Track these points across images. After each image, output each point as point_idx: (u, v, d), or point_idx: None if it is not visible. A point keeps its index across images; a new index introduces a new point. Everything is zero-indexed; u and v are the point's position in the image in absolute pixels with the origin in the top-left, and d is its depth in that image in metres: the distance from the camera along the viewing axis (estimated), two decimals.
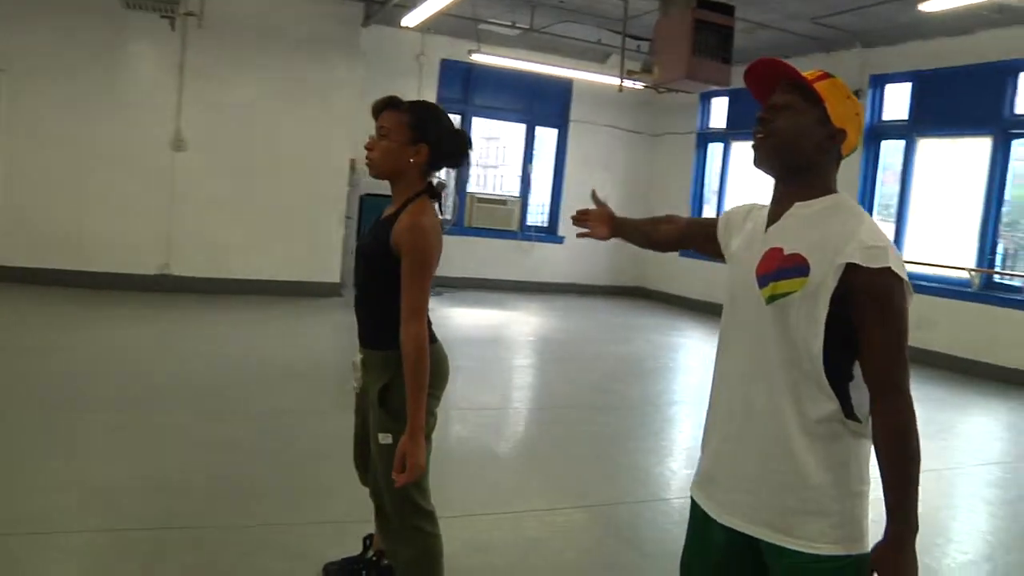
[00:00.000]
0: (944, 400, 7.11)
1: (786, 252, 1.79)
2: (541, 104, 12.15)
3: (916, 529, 1.68)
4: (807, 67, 1.92)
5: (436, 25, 9.74)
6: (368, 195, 10.28)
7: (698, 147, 12.34)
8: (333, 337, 8.49)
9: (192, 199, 9.08)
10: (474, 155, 2.61)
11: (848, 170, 9.67)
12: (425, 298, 2.39)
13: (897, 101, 9.67)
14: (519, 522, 3.80)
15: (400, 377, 2.35)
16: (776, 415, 1.78)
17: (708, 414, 2.01)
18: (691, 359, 9.16)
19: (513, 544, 3.57)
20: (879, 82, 9.68)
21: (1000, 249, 8.71)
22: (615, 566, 3.40)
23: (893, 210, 9.69)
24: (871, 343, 1.71)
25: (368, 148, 2.48)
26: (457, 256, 11.40)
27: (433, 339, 2.44)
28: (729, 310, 1.96)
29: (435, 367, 2.40)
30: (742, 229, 2.00)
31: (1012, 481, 5.25)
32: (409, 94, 2.65)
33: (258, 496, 3.77)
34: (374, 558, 2.90)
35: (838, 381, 1.74)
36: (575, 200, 12.34)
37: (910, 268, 8.65)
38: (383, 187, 9.36)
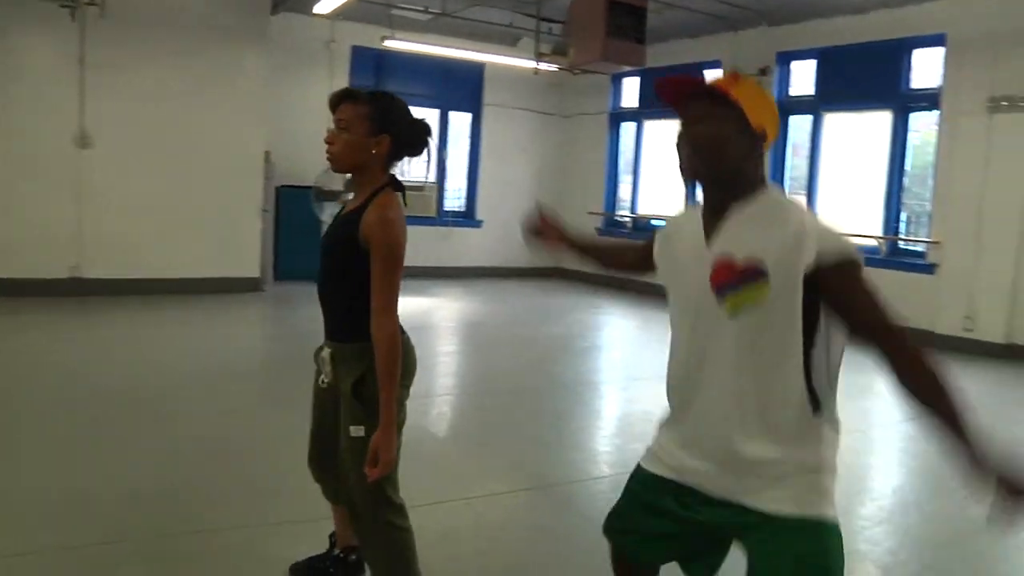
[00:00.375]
0: (862, 363, 7.43)
1: (739, 260, 1.81)
2: (454, 89, 12.11)
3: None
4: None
5: (347, 12, 9.59)
6: (285, 186, 10.08)
7: (611, 127, 12.51)
8: (258, 333, 8.35)
9: (101, 197, 8.73)
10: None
11: None
12: (396, 292, 2.38)
13: (803, 77, 10.00)
14: (478, 507, 3.83)
15: (374, 370, 2.34)
16: (746, 414, 1.85)
17: (670, 400, 2.06)
18: (616, 336, 9.34)
19: (476, 530, 3.60)
20: (785, 59, 9.99)
21: (903, 216, 9.14)
22: (581, 545, 3.46)
23: (803, 183, 10.05)
24: (857, 306, 1.76)
25: (328, 142, 2.44)
26: None
27: (400, 331, 2.44)
28: (682, 323, 1.98)
29: (403, 359, 2.40)
30: (678, 240, 2.03)
31: (921, 436, 5.59)
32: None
33: (210, 502, 3.69)
34: (341, 555, 2.89)
35: (807, 376, 1.82)
36: (491, 184, 12.43)
37: None
38: (300, 178, 9.23)
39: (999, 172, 7.90)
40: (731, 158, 1.85)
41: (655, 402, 2.07)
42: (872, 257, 9.00)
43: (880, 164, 9.14)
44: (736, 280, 1.80)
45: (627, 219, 12.36)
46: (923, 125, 9.03)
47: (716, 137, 1.84)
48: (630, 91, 12.28)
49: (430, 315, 9.35)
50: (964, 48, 8.14)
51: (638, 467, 2.13)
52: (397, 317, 2.39)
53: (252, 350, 7.40)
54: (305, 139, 10.35)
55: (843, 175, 9.70)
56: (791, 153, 10.32)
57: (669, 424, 2.07)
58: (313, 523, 3.19)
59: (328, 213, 10.14)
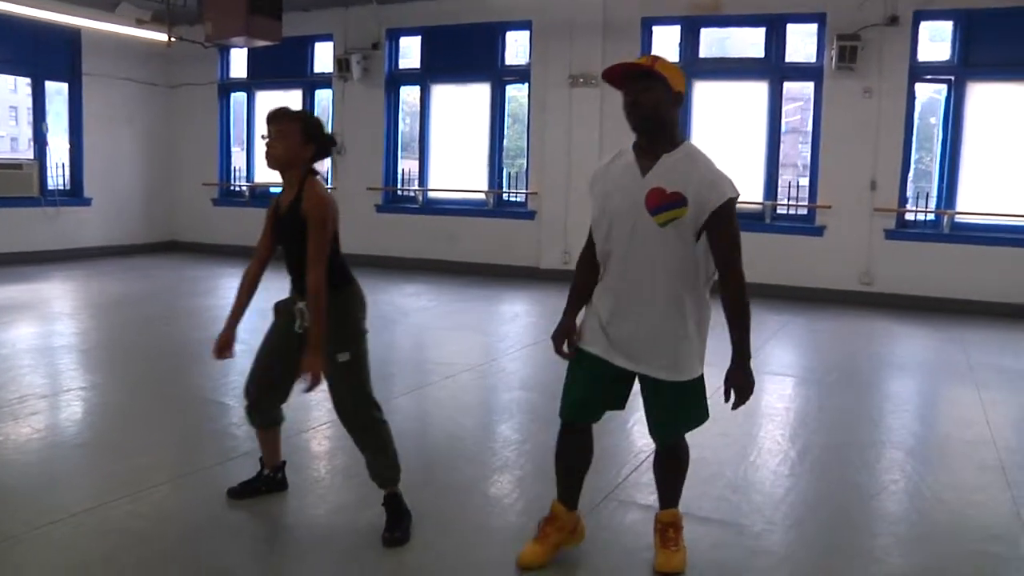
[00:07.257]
0: (478, 294, 8.92)
1: (668, 191, 2.63)
2: (47, 56, 11.16)
3: (751, 356, 2.71)
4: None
5: None
6: None
7: (220, 97, 12.55)
8: None
9: None
10: None
11: (374, 111, 10.99)
12: (326, 249, 2.99)
13: (411, 52, 11.21)
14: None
15: (347, 312, 3.04)
16: (667, 294, 2.69)
17: (602, 298, 2.83)
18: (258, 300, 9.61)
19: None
20: (394, 35, 11.12)
21: (506, 174, 10.90)
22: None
23: (415, 147, 11.34)
24: (722, 239, 2.65)
25: (269, 147, 3.02)
26: None
27: (351, 280, 3.11)
28: (611, 231, 2.74)
29: (354, 299, 3.11)
30: (609, 176, 2.78)
31: None
32: None
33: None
34: (270, 474, 3.40)
35: (694, 271, 2.74)
36: (98, 158, 11.82)
37: (434, 195, 10.43)
38: None
39: (579, 135, 9.93)
40: (663, 113, 2.65)
41: None
42: (481, 209, 10.74)
43: (482, 129, 10.76)
44: (665, 203, 2.63)
45: (243, 188, 12.58)
46: (518, 95, 10.81)
47: (657, 102, 2.63)
48: (238, 62, 12.40)
49: (65, 301, 8.71)
50: (547, 33, 9.99)
51: (579, 349, 2.88)
52: (325, 269, 2.99)
53: None
54: None
55: (450, 139, 11.14)
56: (403, 117, 11.53)
57: (598, 307, 2.82)
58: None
59: None
